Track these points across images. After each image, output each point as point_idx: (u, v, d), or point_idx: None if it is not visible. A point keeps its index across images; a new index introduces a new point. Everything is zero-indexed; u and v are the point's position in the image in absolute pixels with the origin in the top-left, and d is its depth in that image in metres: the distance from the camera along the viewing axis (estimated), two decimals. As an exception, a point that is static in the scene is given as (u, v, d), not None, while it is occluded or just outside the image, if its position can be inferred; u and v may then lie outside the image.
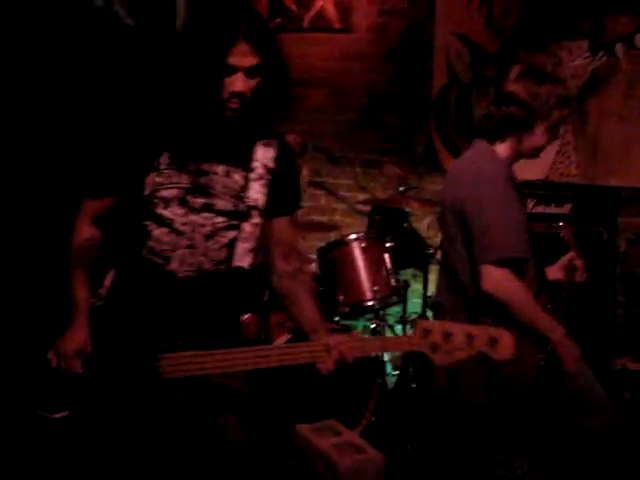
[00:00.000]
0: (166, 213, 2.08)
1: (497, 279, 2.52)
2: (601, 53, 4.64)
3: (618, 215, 4.28)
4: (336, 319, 4.00)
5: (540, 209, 4.12)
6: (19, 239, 3.70)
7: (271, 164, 2.17)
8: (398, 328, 4.56)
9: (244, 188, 2.13)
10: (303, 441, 3.41)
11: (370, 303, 3.97)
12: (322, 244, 4.17)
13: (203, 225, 2.10)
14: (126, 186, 2.11)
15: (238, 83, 1.98)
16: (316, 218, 5.06)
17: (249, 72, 1.99)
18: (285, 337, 3.71)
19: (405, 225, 4.41)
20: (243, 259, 2.13)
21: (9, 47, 3.74)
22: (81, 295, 2.13)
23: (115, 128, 2.18)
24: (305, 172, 4.72)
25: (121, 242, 2.18)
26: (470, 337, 1.96)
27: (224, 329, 2.12)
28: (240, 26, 1.97)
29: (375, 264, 3.95)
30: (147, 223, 2.09)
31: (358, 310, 4.10)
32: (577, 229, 3.73)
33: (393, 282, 4.02)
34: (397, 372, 4.51)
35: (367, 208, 4.86)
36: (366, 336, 2.08)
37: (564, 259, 2.89)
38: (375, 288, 3.95)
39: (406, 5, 5.05)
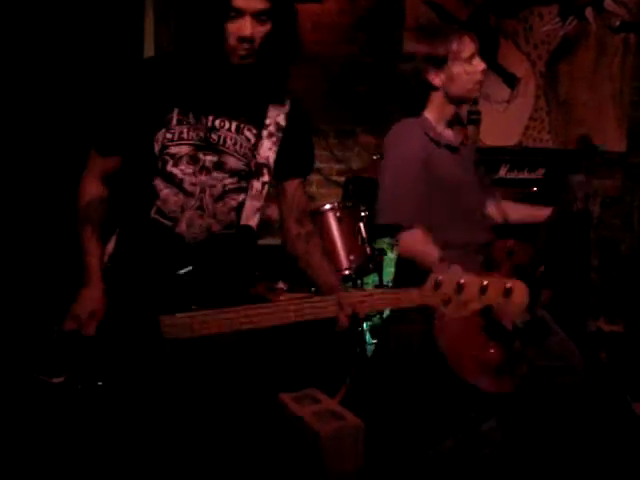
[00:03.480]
0: (176, 171, 2.03)
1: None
2: (571, 18, 4.65)
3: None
4: (312, 289, 4.00)
5: (513, 174, 4.14)
6: (24, 198, 3.58)
7: (283, 122, 2.11)
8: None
9: (255, 146, 2.08)
10: (284, 409, 3.43)
11: (346, 272, 3.98)
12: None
13: (213, 186, 2.06)
14: (134, 143, 2.05)
15: (246, 27, 1.89)
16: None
17: (257, 16, 1.90)
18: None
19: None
20: (251, 218, 2.08)
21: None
22: (93, 254, 2.04)
23: (123, 83, 2.09)
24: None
25: (129, 202, 2.12)
26: (484, 288, 1.90)
27: (235, 292, 2.05)
28: None
29: (350, 233, 3.95)
30: (156, 182, 2.04)
31: (335, 279, 4.11)
32: (550, 194, 3.77)
33: (369, 251, 4.03)
34: (375, 340, 4.54)
35: (342, 179, 4.86)
36: (376, 289, 2.00)
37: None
38: (351, 257, 3.96)
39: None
